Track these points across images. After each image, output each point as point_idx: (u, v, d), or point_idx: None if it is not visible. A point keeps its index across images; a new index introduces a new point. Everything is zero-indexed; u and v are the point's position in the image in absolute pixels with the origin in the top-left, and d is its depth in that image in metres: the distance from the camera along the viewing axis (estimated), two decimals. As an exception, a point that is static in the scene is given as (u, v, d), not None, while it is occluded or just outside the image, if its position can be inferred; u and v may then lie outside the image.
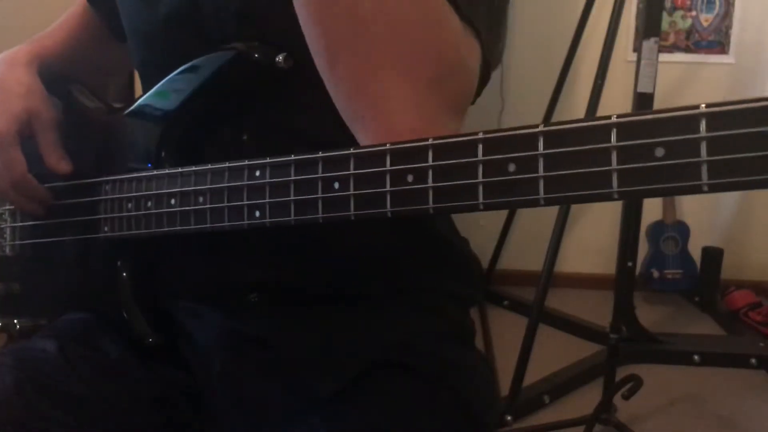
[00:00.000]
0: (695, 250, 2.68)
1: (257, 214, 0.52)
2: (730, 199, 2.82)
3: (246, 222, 0.53)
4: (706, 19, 2.74)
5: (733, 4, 2.71)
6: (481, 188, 0.40)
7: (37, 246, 0.76)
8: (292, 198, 0.49)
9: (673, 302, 2.65)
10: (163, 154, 0.63)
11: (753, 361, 2.10)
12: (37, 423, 0.59)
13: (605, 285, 2.25)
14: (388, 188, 0.44)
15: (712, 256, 2.66)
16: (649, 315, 2.39)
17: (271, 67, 0.56)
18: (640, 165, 0.35)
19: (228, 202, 0.54)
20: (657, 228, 2.67)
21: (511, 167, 0.39)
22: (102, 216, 0.67)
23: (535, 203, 0.39)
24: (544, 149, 0.38)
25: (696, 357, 2.10)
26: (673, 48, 2.75)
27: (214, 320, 0.66)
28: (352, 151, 0.45)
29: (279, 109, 0.60)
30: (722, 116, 0.33)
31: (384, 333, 0.63)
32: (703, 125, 0.33)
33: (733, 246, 2.75)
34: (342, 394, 0.59)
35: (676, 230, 2.66)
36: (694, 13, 2.74)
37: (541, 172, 0.38)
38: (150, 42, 0.65)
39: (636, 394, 1.57)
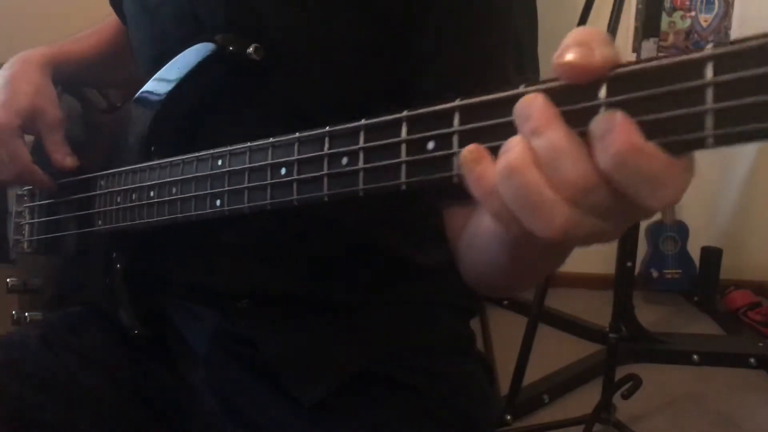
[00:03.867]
0: (694, 250, 2.68)
1: (218, 203, 0.53)
2: (729, 198, 2.82)
3: (209, 210, 0.55)
4: (705, 19, 2.74)
5: (732, 5, 2.72)
6: (404, 167, 0.40)
7: (48, 241, 0.79)
8: (246, 185, 0.50)
9: (672, 302, 2.65)
10: (153, 148, 0.65)
11: (752, 360, 2.10)
12: (17, 407, 0.60)
13: (605, 285, 2.25)
14: (326, 171, 0.45)
15: (712, 255, 2.66)
16: (648, 315, 2.39)
17: (243, 58, 0.57)
18: None
19: (195, 191, 0.56)
20: (656, 228, 2.67)
21: (431, 145, 0.38)
22: (95, 210, 0.69)
23: (449, 180, 0.38)
24: (460, 125, 0.37)
25: (695, 356, 2.11)
26: (673, 48, 2.75)
27: (206, 321, 0.67)
28: (297, 135, 0.46)
29: (256, 102, 0.61)
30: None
31: (373, 344, 0.63)
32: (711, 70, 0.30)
33: (732, 246, 2.75)
34: (325, 403, 0.59)
35: (675, 230, 2.66)
36: (693, 13, 2.74)
37: (455, 149, 0.37)
38: (156, 57, 0.67)
39: (635, 394, 1.57)
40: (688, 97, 0.30)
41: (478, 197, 0.36)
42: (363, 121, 0.42)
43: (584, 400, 1.80)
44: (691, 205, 2.78)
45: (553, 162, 0.32)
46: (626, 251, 1.84)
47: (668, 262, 2.64)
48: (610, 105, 0.32)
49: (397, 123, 0.40)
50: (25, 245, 0.82)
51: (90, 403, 0.64)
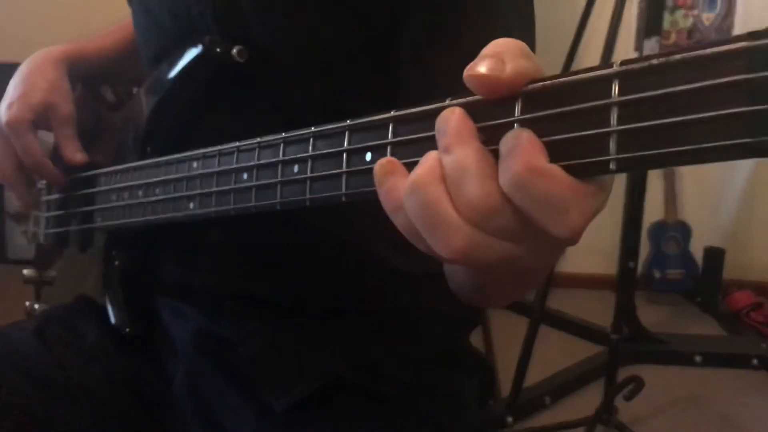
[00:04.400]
0: (697, 251, 2.68)
1: (191, 205, 0.54)
2: (731, 199, 2.82)
3: (182, 213, 0.56)
4: (707, 18, 2.73)
5: (734, 4, 2.71)
6: (344, 178, 0.39)
7: (59, 235, 0.81)
8: (214, 189, 0.52)
9: (674, 302, 2.65)
10: (149, 148, 0.66)
11: (754, 361, 2.10)
12: (10, 400, 0.61)
13: (606, 285, 2.25)
14: (279, 178, 0.45)
15: (714, 256, 2.66)
16: (650, 315, 2.38)
17: (228, 60, 0.57)
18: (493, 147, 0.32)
19: (174, 192, 0.57)
20: (658, 228, 2.66)
21: (368, 156, 0.38)
22: (96, 207, 0.71)
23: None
24: (392, 137, 0.37)
25: (697, 357, 2.10)
26: (675, 47, 2.74)
27: (191, 320, 0.67)
28: (257, 140, 0.47)
29: (245, 104, 0.60)
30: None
31: (352, 351, 0.62)
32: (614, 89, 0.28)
33: (734, 246, 2.74)
34: (296, 410, 0.58)
35: (677, 230, 2.65)
36: (695, 11, 2.73)
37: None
38: (156, 56, 0.67)
39: (637, 395, 1.57)
40: (592, 117, 0.28)
41: (387, 211, 0.34)
42: (312, 129, 0.42)
43: (586, 401, 1.79)
44: (693, 205, 2.77)
45: (457, 180, 0.31)
46: (628, 252, 1.83)
47: (670, 263, 2.64)
48: (524, 122, 0.31)
49: (341, 132, 0.40)
50: (42, 238, 0.85)
51: (82, 399, 0.64)
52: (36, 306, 0.84)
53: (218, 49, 0.57)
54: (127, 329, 0.69)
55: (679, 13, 2.74)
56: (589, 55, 2.36)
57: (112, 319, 0.69)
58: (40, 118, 0.73)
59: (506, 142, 0.30)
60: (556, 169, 0.29)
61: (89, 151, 0.75)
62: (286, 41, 0.57)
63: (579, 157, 0.29)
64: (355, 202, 0.39)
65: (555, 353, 2.08)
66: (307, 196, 0.42)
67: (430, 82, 0.52)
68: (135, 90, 0.73)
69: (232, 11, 0.58)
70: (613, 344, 1.69)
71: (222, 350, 0.64)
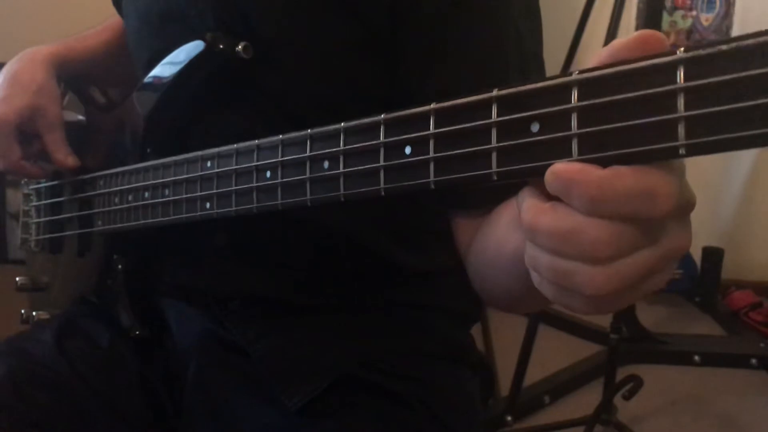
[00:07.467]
0: (695, 250, 2.68)
1: (207, 205, 0.54)
2: (730, 198, 2.82)
3: (199, 213, 0.55)
4: (706, 18, 2.73)
5: (733, 4, 2.71)
6: (382, 173, 0.39)
7: (53, 240, 0.80)
8: (233, 188, 0.51)
9: (673, 302, 2.64)
10: (149, 149, 0.65)
11: (753, 361, 2.10)
12: (25, 408, 0.61)
13: (605, 285, 2.25)
14: (308, 175, 0.44)
15: (713, 255, 2.65)
16: (649, 315, 2.38)
17: (233, 56, 0.56)
18: (519, 141, 0.32)
19: (186, 193, 0.56)
20: (657, 228, 2.66)
21: (408, 150, 0.37)
22: (95, 210, 0.70)
23: (426, 186, 0.37)
24: (435, 128, 0.36)
25: (696, 357, 2.10)
26: (673, 47, 2.74)
27: (196, 322, 0.67)
28: (280, 137, 0.46)
29: (248, 102, 0.60)
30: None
31: (361, 348, 0.63)
32: (680, 74, 0.28)
33: (733, 246, 2.74)
34: (308, 409, 0.58)
35: (676, 230, 2.65)
36: (694, 12, 2.73)
37: (431, 153, 0.36)
38: (149, 58, 0.67)
39: (636, 395, 1.57)
40: (657, 103, 0.28)
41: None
42: (342, 124, 0.42)
43: (585, 401, 1.79)
44: (692, 205, 2.77)
45: (563, 249, 0.31)
46: (627, 251, 1.83)
47: (669, 263, 2.63)
48: (580, 109, 0.30)
49: (375, 126, 0.39)
50: (33, 244, 0.83)
51: (100, 408, 0.64)
52: (34, 314, 0.82)
53: (221, 45, 0.57)
54: (137, 332, 0.68)
55: (678, 13, 2.74)
56: (588, 55, 2.36)
57: (122, 323, 0.69)
58: (26, 121, 0.71)
59: (553, 185, 0.30)
60: (612, 170, 0.29)
61: (79, 153, 0.73)
62: (289, 40, 0.57)
63: (645, 144, 0.28)
64: (395, 197, 0.39)
65: (554, 353, 2.08)
66: (342, 192, 0.42)
67: (442, 88, 0.51)
68: (128, 91, 0.72)
69: (233, 11, 0.58)
70: (612, 344, 1.69)
71: (230, 352, 0.64)
